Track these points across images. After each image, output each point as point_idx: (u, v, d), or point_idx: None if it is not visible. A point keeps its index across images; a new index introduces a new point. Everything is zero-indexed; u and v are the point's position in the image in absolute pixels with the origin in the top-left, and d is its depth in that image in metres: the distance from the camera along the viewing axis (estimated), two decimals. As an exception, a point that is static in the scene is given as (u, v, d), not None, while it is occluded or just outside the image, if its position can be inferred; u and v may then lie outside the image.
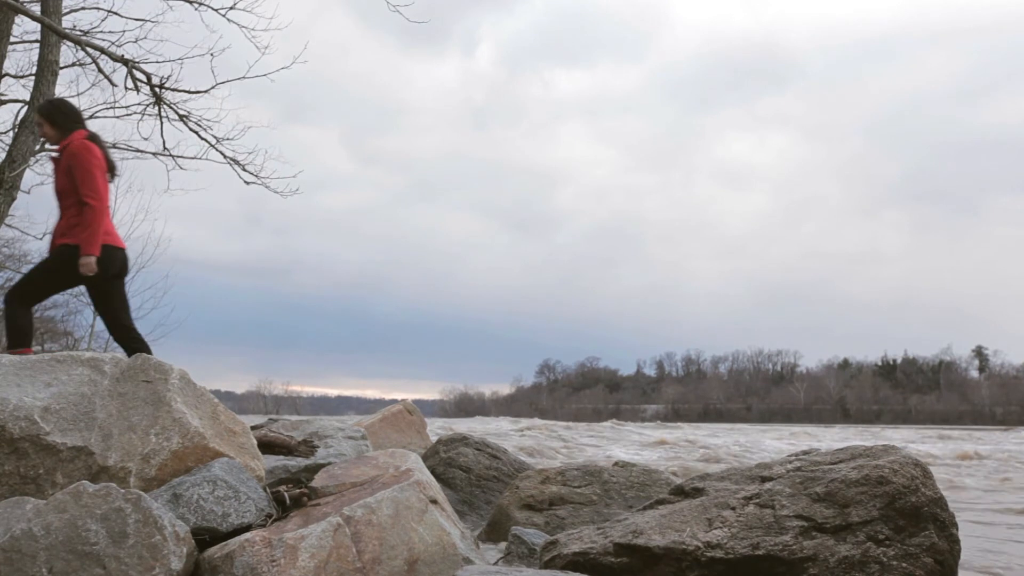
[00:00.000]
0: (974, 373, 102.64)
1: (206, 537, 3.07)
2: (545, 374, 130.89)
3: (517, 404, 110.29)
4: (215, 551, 2.94)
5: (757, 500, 3.38)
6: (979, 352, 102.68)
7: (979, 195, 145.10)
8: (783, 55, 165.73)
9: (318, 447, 4.79)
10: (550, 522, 4.68)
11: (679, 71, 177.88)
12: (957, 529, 3.17)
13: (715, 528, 3.29)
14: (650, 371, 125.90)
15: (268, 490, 3.59)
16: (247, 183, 10.18)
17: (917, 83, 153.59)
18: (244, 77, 9.64)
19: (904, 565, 2.99)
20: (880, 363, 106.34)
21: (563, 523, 4.63)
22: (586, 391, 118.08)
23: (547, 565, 3.53)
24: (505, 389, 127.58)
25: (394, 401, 10.33)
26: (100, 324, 11.89)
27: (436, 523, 3.50)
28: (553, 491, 4.92)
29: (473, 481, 5.88)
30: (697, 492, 3.71)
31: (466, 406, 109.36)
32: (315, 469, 4.21)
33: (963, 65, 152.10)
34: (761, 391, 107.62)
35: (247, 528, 3.18)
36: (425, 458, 6.20)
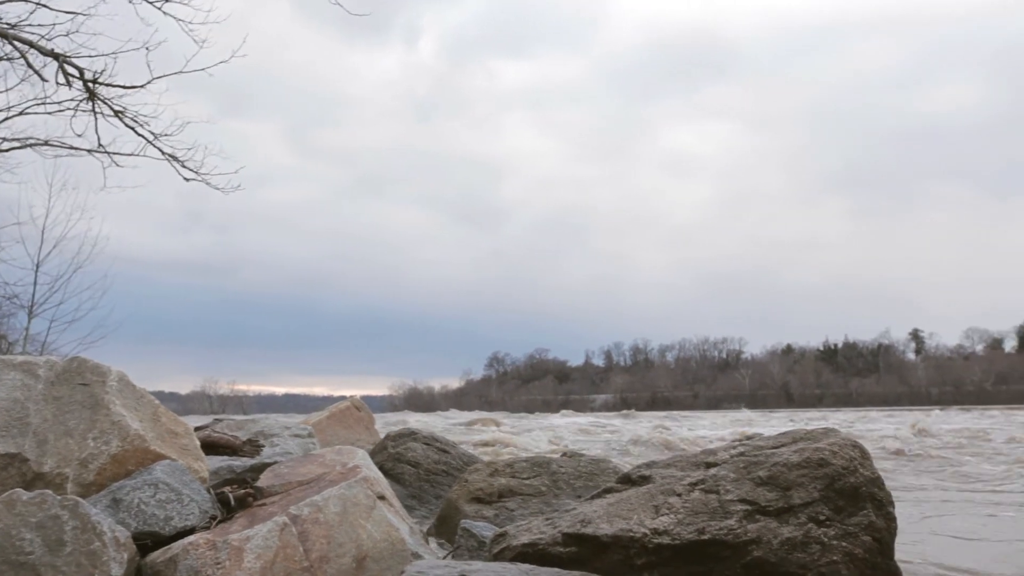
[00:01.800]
0: (911, 355, 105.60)
1: (148, 542, 3.01)
2: (494, 367, 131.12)
3: (467, 397, 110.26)
4: (157, 556, 2.88)
5: (702, 486, 3.42)
6: (915, 335, 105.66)
7: (915, 182, 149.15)
8: (725, 44, 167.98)
9: (264, 446, 4.74)
10: (500, 514, 4.69)
11: (622, 61, 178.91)
12: (893, 507, 3.25)
13: (662, 515, 3.33)
14: (599, 361, 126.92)
15: (212, 491, 3.53)
16: (187, 180, 9.96)
17: (856, 72, 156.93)
18: (181, 71, 9.41)
19: (844, 544, 3.06)
20: (822, 348, 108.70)
21: (513, 515, 4.64)
22: (535, 383, 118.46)
23: (496, 557, 3.54)
24: (455, 383, 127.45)
25: (343, 398, 10.25)
26: (36, 326, 11.56)
27: (384, 519, 3.48)
28: (502, 483, 4.93)
29: (422, 476, 5.86)
30: (644, 480, 3.74)
31: (415, 401, 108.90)
32: (261, 469, 4.16)
33: (900, 55, 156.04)
34: (708, 378, 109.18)
35: (191, 531, 3.13)
36: (373, 454, 6.16)
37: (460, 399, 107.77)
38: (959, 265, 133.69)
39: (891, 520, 3.23)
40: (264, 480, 3.75)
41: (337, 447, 4.37)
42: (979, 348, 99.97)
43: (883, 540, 3.16)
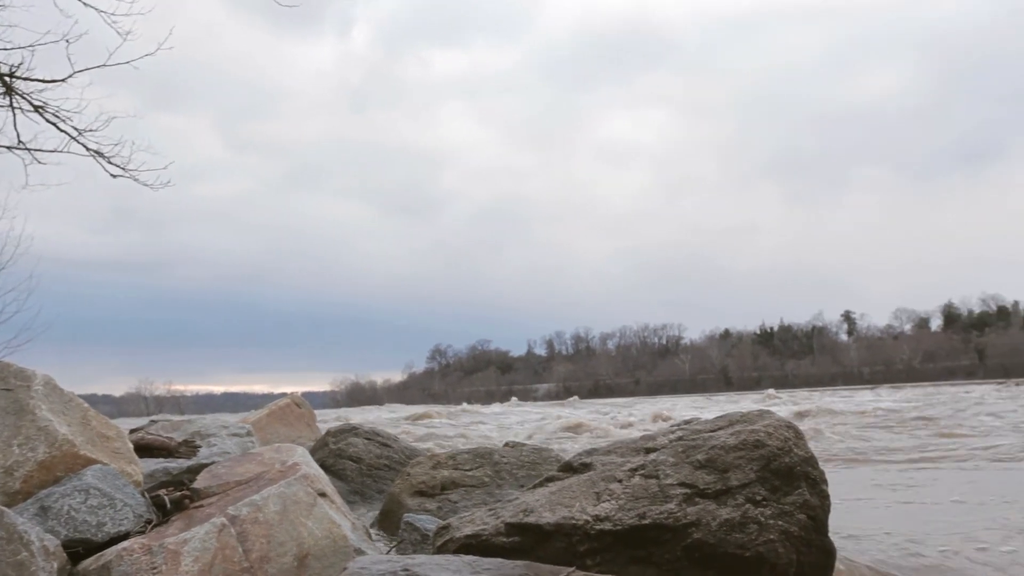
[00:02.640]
0: (843, 337, 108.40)
1: (80, 549, 2.93)
2: (437, 359, 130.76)
3: (410, 391, 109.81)
4: (90, 563, 2.81)
5: (642, 471, 3.46)
6: (847, 316, 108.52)
7: (844, 168, 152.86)
8: (658, 32, 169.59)
9: (200, 447, 4.64)
10: (443, 507, 4.68)
11: (556, 50, 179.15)
12: (827, 484, 3.33)
13: (603, 501, 3.36)
14: (540, 350, 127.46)
15: (147, 495, 3.45)
16: (114, 176, 9.67)
17: (785, 60, 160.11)
18: (105, 65, 9.11)
19: (780, 523, 3.13)
20: (759, 332, 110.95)
21: (456, 507, 4.63)
22: (478, 374, 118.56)
23: (440, 550, 3.53)
24: (397, 376, 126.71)
25: (284, 395, 10.11)
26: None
27: (326, 516, 3.45)
28: (445, 475, 4.92)
29: (364, 471, 5.82)
30: (585, 467, 3.77)
31: (358, 396, 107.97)
32: (198, 470, 4.07)
33: (827, 42, 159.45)
34: (648, 365, 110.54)
35: (125, 536, 3.05)
36: (314, 451, 6.09)
37: (403, 393, 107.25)
38: (887, 247, 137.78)
39: (825, 498, 3.31)
40: (201, 481, 3.68)
41: (276, 445, 4.31)
42: (907, 328, 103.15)
43: (817, 517, 3.24)
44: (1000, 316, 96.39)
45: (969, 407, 19.27)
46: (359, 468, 5.82)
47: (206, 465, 4.10)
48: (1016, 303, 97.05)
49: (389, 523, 4.82)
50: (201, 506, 3.38)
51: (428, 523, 4.06)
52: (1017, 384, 42.72)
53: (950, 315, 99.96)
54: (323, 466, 5.55)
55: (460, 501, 4.72)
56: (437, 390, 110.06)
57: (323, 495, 3.59)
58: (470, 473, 4.95)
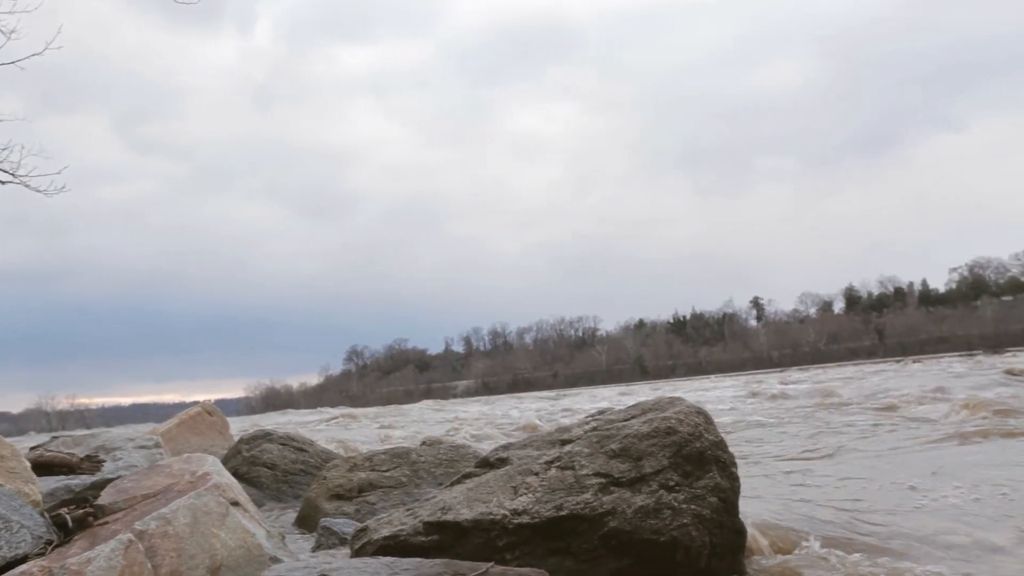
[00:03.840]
0: (753, 322, 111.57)
1: (-26, 576, 2.78)
2: (354, 360, 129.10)
3: (327, 393, 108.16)
4: (-14, 589, 2.68)
5: (559, 463, 3.49)
6: (756, 303, 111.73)
7: (749, 158, 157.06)
8: (566, 26, 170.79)
9: (105, 461, 4.48)
10: (360, 509, 4.63)
11: (465, 44, 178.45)
12: (736, 467, 3.43)
13: (521, 495, 3.38)
14: (458, 347, 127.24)
15: (47, 515, 3.30)
16: (2, 183, 9.22)
17: (692, 52, 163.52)
18: (-16, 66, 8.67)
19: (693, 507, 3.20)
20: (672, 320, 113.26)
21: (374, 509, 4.59)
22: (396, 373, 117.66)
23: (358, 553, 3.49)
24: (314, 379, 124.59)
25: (196, 404, 9.82)
26: None
27: (239, 525, 3.37)
28: (362, 477, 4.87)
29: (280, 477, 5.71)
30: (502, 462, 3.79)
31: (273, 401, 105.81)
32: (102, 485, 3.93)
33: (732, 35, 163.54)
34: (566, 357, 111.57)
35: (23, 560, 2.91)
36: (227, 459, 5.95)
37: (320, 396, 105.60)
38: (792, 234, 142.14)
39: (735, 480, 3.40)
40: (106, 497, 3.55)
41: (186, 455, 4.19)
42: (812, 311, 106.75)
43: (728, 499, 3.32)
44: (897, 297, 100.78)
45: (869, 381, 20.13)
46: (274, 474, 5.70)
47: (111, 480, 3.95)
48: (911, 284, 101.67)
49: (307, 528, 4.74)
50: (106, 523, 3.25)
51: (346, 526, 4.02)
52: (914, 361, 44.74)
53: (851, 298, 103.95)
54: (236, 474, 5.42)
55: (378, 503, 4.68)
56: (355, 391, 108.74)
57: (236, 504, 3.51)
58: (387, 474, 4.91)
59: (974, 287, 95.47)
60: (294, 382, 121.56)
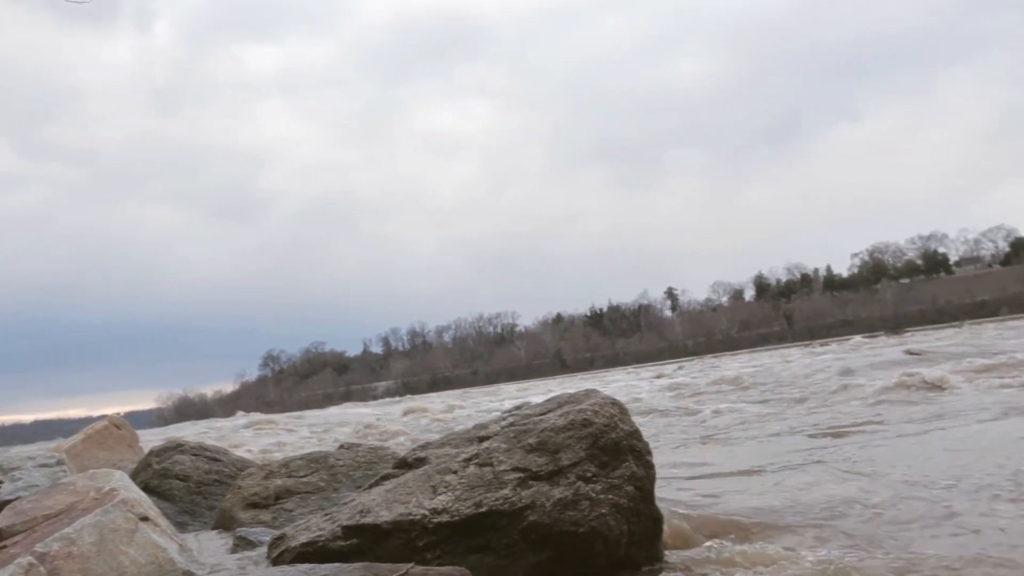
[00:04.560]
0: (668, 312, 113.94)
1: None
2: (270, 365, 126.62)
3: (243, 400, 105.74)
4: None
5: (477, 460, 3.49)
6: (670, 293, 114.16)
7: (661, 151, 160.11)
8: (475, 22, 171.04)
9: (2, 482, 4.28)
10: (278, 517, 4.54)
11: (374, 43, 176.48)
12: (651, 456, 3.49)
13: (440, 494, 3.36)
14: (377, 348, 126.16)
15: (-61, 541, 3.14)
16: None
17: (603, 47, 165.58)
18: None
19: (610, 497, 3.25)
20: (589, 314, 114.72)
21: (292, 516, 4.50)
22: (314, 377, 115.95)
23: (276, 562, 3.43)
24: (229, 387, 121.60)
25: (103, 418, 9.44)
26: None
27: (149, 541, 3.27)
28: (278, 484, 4.78)
29: (193, 489, 5.55)
30: (420, 462, 3.77)
31: (187, 411, 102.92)
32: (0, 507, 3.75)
33: (640, 30, 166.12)
34: (485, 354, 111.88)
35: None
36: (136, 473, 5.75)
37: (236, 403, 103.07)
38: (703, 225, 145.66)
39: (650, 468, 3.46)
40: (3, 520, 3.39)
41: (91, 471, 4.03)
42: (724, 300, 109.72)
43: (644, 488, 3.39)
44: (804, 283, 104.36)
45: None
46: (187, 486, 5.54)
47: (9, 502, 3.78)
48: (816, 270, 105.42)
49: (223, 540, 4.62)
50: (4, 547, 3.11)
51: (262, 535, 3.94)
52: (821, 345, 46.38)
53: (761, 285, 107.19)
54: (147, 488, 5.25)
55: (296, 509, 4.60)
56: (272, 397, 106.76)
57: (145, 519, 3.40)
58: (305, 479, 4.82)
59: (875, 271, 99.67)
60: (208, 390, 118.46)
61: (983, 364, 12.42)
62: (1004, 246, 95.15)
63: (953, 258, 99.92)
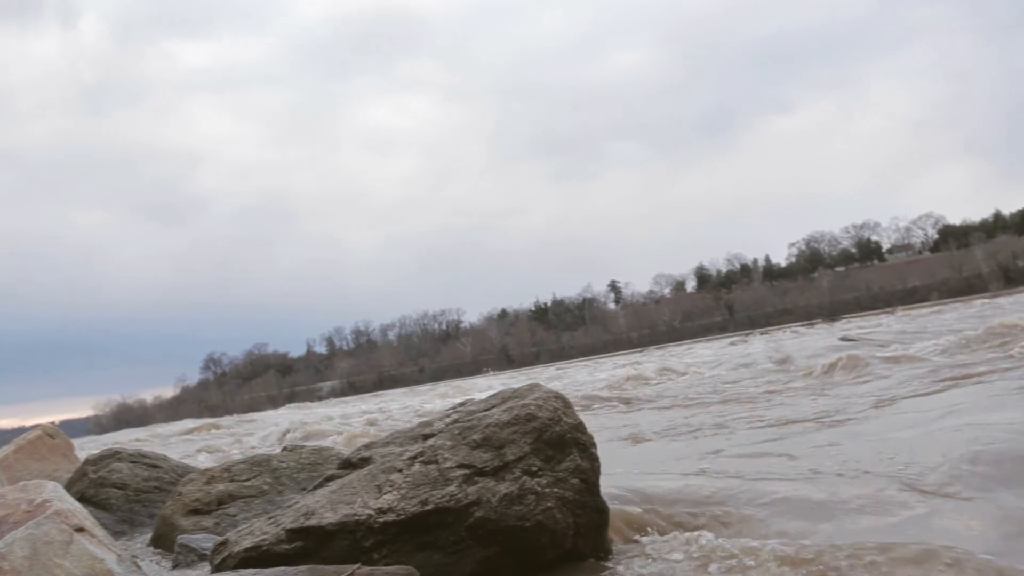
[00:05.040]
0: (612, 305, 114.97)
1: None
2: (211, 368, 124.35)
3: (185, 405, 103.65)
4: None
5: (422, 458, 3.48)
6: (614, 286, 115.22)
7: (601, 143, 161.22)
8: (412, 17, 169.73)
9: (-71, 497, 4.11)
10: (220, 522, 4.46)
11: (310, 38, 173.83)
12: (596, 448, 3.51)
13: (385, 493, 3.34)
14: (321, 348, 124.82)
15: None
16: None
17: (540, 41, 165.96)
18: None
19: (556, 490, 3.26)
20: (534, 308, 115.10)
21: (235, 521, 4.42)
22: (257, 379, 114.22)
23: (219, 568, 3.36)
24: (169, 391, 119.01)
25: (36, 427, 9.15)
26: None
27: (85, 552, 3.18)
28: (221, 489, 4.69)
29: (131, 497, 5.41)
30: (364, 461, 3.74)
31: (126, 417, 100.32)
32: (-75, 524, 3.60)
33: (577, 24, 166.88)
34: (431, 351, 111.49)
35: None
36: (71, 483, 5.59)
37: (177, 408, 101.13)
38: (644, 217, 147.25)
39: (595, 460, 3.49)
40: (-71, 536, 3.26)
41: (21, 483, 3.90)
42: (667, 291, 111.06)
43: (589, 480, 3.41)
44: (743, 273, 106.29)
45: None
46: (125, 495, 5.40)
47: (-64, 517, 3.64)
48: (755, 260, 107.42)
49: (164, 548, 4.52)
50: (-69, 563, 2.99)
51: (205, 542, 3.86)
52: (761, 333, 47.27)
53: (702, 276, 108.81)
54: (83, 498, 5.11)
55: (239, 514, 4.52)
56: (214, 401, 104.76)
57: (81, 530, 3.31)
58: (247, 483, 4.74)
59: (811, 260, 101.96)
60: (148, 396, 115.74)
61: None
62: (933, 233, 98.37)
63: (885, 246, 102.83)
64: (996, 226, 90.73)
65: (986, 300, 44.80)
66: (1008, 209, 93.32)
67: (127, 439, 23.65)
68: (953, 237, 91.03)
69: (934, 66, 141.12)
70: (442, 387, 40.24)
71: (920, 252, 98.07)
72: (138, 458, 5.83)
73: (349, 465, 3.82)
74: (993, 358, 9.89)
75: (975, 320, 20.46)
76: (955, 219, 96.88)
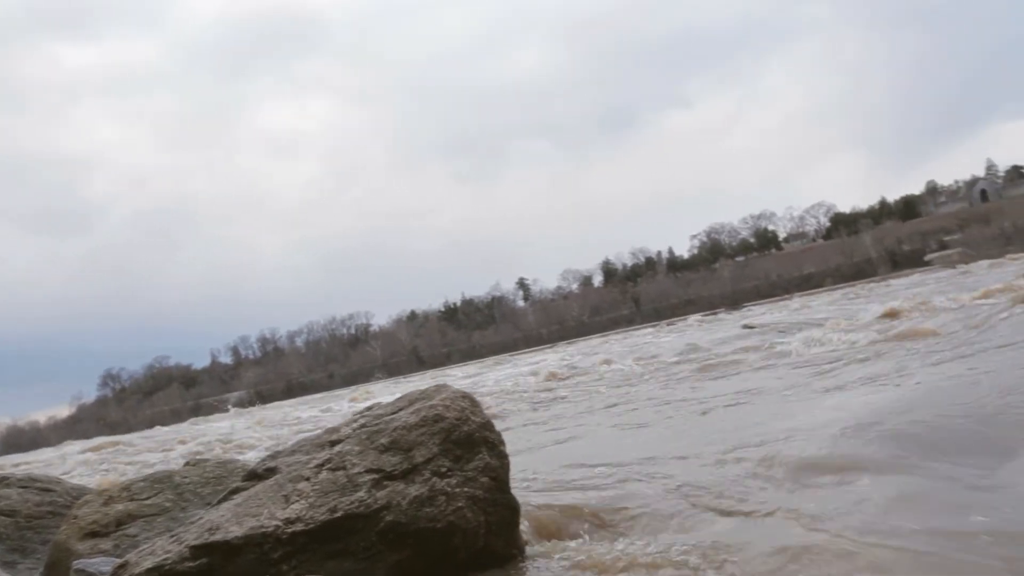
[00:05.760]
0: (521, 303, 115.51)
1: None
2: (110, 384, 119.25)
3: (83, 424, 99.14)
4: None
5: (329, 465, 3.42)
6: (522, 283, 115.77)
7: (507, 142, 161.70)
8: (309, 17, 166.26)
9: None
10: (120, 544, 4.26)
11: (203, 38, 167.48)
12: (504, 446, 3.52)
13: (293, 503, 3.27)
14: (226, 358, 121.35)
15: None
16: None
17: (440, 41, 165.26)
18: None
19: (466, 490, 3.25)
20: (443, 309, 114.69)
21: (136, 541, 4.24)
22: (159, 393, 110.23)
23: (119, 592, 3.23)
24: (65, 411, 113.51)
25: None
26: None
27: (-29, 585, 3.00)
28: (120, 509, 4.49)
29: (23, 524, 5.13)
30: (270, 472, 3.65)
31: (17, 440, 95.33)
32: None
33: (479, 23, 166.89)
34: (340, 356, 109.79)
35: None
36: (-44, 513, 5.27)
37: (74, 427, 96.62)
38: (551, 215, 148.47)
39: (504, 458, 3.49)
40: None
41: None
42: (574, 287, 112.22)
43: (499, 477, 3.41)
44: (648, 266, 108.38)
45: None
46: (15, 522, 5.11)
47: None
48: (659, 253, 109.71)
49: (59, 575, 4.31)
50: None
51: (103, 565, 3.69)
52: (668, 324, 48.39)
53: (608, 271, 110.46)
54: (-32, 528, 4.83)
55: (140, 534, 4.33)
56: (115, 418, 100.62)
57: (-34, 562, 3.12)
58: (148, 502, 4.56)
59: (712, 251, 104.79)
60: (41, 416, 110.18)
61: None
62: (825, 222, 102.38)
63: (782, 235, 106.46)
64: (882, 213, 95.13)
65: (875, 284, 46.89)
66: (892, 196, 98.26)
67: (17, 463, 22.54)
68: (843, 225, 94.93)
69: (825, 60, 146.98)
70: (349, 393, 39.78)
71: (814, 240, 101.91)
72: (28, 482, 5.54)
73: (255, 476, 3.72)
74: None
75: (840, 307, 21.50)
76: (845, 207, 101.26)
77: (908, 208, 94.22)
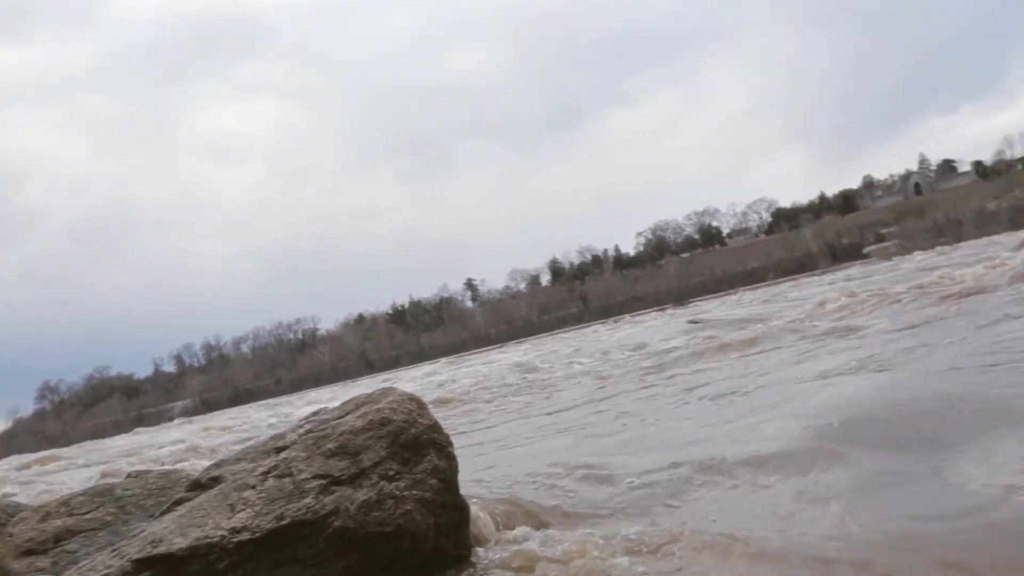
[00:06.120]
0: (469, 303, 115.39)
1: None
2: (47, 397, 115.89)
3: (19, 439, 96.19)
4: None
5: (276, 472, 3.37)
6: (470, 284, 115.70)
7: (454, 142, 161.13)
8: (249, 17, 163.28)
9: None
10: (59, 561, 4.14)
11: (138, 40, 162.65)
12: (453, 447, 3.50)
13: (238, 512, 3.21)
14: (170, 367, 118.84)
15: None
16: None
17: (383, 41, 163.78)
18: None
19: (415, 493, 3.23)
20: (391, 311, 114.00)
21: (76, 557, 4.12)
22: (100, 404, 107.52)
23: (58, 610, 3.13)
24: (0, 426, 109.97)
25: None
26: None
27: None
28: (58, 525, 4.36)
29: (-44, 544, 4.96)
30: (215, 481, 3.58)
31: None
32: None
33: (424, 22, 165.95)
34: (287, 362, 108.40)
35: None
36: None
37: (10, 443, 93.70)
38: (498, 214, 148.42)
39: (452, 459, 3.48)
40: None
41: None
42: (523, 286, 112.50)
43: (448, 479, 3.40)
44: (595, 264, 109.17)
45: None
46: (-52, 542, 4.94)
47: None
48: (606, 251, 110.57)
49: (-4, 595, 4.17)
50: None
51: (42, 584, 3.58)
52: (615, 321, 48.82)
53: (556, 270, 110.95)
54: (-101, 551, 4.64)
55: (80, 550, 4.21)
56: (53, 431, 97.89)
57: None
58: (88, 516, 4.43)
59: (658, 248, 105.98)
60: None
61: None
62: (767, 217, 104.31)
63: (725, 231, 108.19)
64: (822, 207, 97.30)
65: (815, 276, 47.87)
66: (831, 191, 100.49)
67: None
68: (785, 219, 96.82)
69: (765, 58, 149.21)
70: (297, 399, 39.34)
71: (757, 235, 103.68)
72: (-38, 501, 5.35)
73: (199, 486, 3.65)
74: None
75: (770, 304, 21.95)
76: (786, 202, 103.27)
77: (846, 202, 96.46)
